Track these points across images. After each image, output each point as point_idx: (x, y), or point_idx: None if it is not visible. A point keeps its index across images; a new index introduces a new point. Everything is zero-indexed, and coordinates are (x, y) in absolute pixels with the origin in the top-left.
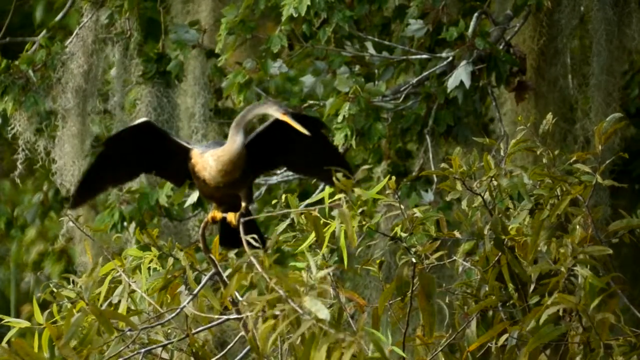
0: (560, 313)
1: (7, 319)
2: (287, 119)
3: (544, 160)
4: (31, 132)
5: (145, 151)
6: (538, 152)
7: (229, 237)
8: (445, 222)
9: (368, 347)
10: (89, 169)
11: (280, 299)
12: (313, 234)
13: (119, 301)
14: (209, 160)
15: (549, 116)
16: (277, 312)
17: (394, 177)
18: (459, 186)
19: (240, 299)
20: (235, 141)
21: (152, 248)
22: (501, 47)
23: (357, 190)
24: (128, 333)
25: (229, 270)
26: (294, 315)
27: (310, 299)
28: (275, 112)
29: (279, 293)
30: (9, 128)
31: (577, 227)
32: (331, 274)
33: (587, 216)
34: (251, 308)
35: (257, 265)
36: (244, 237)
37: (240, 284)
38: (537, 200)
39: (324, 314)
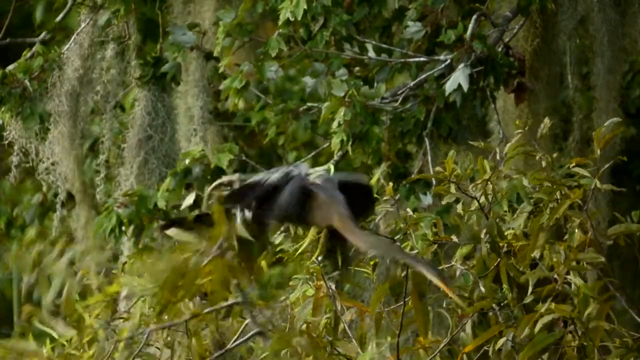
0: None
1: None
2: (440, 283)
3: (543, 164)
4: (27, 139)
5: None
6: (537, 157)
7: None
8: (443, 226)
9: None
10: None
11: None
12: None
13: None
14: (333, 217)
15: (547, 120)
16: None
17: (391, 183)
18: (453, 189)
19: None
20: (361, 244)
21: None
22: (500, 49)
23: None
24: None
25: None
26: None
27: None
28: (430, 275)
29: None
30: (5, 133)
31: (576, 230)
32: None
33: (587, 220)
34: None
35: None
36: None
37: None
38: (535, 203)
39: None
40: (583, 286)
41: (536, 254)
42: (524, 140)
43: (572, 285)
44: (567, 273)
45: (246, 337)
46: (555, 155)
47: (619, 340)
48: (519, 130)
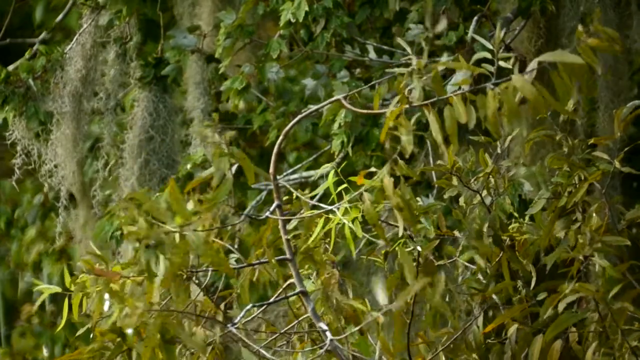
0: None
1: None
2: None
3: (564, 149)
4: (29, 139)
5: None
6: (557, 138)
7: None
8: (444, 223)
9: None
10: None
11: None
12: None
13: None
14: None
15: (571, 102)
16: None
17: (392, 179)
18: (455, 182)
19: None
20: None
21: None
22: (501, 50)
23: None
24: None
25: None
26: None
27: None
28: None
29: None
30: (8, 134)
31: (594, 214)
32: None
33: (604, 205)
34: None
35: None
36: None
37: None
38: (553, 190)
39: None
40: (608, 267)
41: (560, 234)
42: (542, 128)
43: (597, 267)
44: (591, 256)
45: (290, 295)
46: (576, 140)
47: (637, 323)
48: (516, 130)
